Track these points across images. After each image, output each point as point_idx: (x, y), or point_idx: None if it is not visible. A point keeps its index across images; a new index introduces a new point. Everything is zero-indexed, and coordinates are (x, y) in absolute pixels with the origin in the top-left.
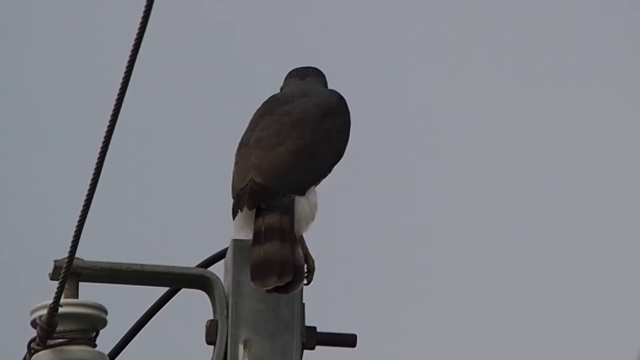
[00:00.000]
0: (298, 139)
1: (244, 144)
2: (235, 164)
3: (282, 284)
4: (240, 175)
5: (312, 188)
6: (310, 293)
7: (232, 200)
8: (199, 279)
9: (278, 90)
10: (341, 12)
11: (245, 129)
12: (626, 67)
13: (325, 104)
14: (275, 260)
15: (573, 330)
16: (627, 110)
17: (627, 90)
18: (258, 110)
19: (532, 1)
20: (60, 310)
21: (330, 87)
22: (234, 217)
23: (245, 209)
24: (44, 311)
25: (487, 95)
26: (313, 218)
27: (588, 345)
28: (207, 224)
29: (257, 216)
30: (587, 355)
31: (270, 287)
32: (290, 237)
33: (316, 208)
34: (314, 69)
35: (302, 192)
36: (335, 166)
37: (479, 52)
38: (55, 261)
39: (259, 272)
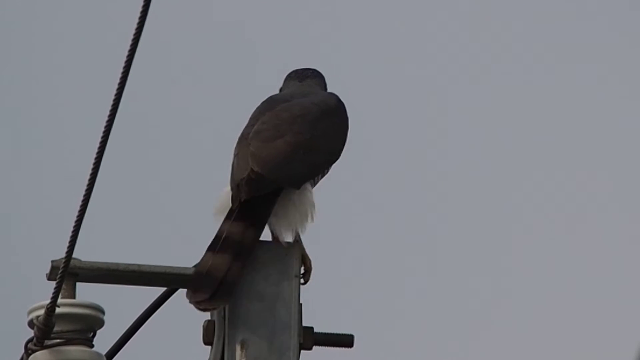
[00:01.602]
0: (297, 133)
1: (243, 137)
2: (235, 155)
3: (210, 308)
4: (241, 165)
5: (308, 186)
6: (307, 293)
7: (232, 190)
8: None
9: (277, 91)
10: (349, 12)
11: (245, 126)
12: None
13: (324, 105)
14: (217, 277)
15: (572, 330)
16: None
17: (628, 91)
18: (257, 108)
19: (535, 2)
20: (58, 310)
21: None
22: (232, 206)
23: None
24: (41, 311)
25: (501, 96)
26: (311, 217)
27: (588, 345)
28: (205, 224)
29: (227, 217)
30: (587, 355)
31: (197, 304)
32: (246, 256)
33: (313, 206)
34: (314, 70)
35: (298, 186)
36: (333, 167)
37: (486, 55)
38: (52, 261)
39: (195, 282)
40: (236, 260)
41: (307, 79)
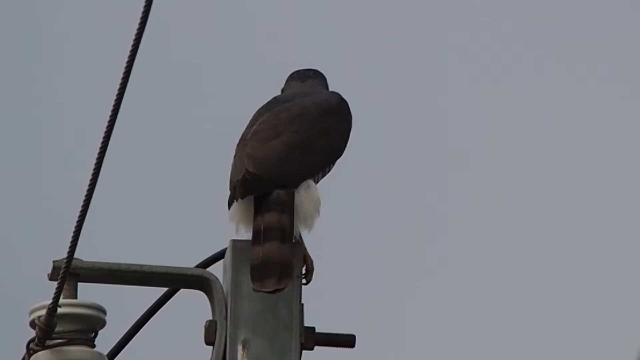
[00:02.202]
0: (294, 132)
1: (242, 139)
2: (234, 157)
3: (282, 287)
4: (238, 167)
5: (312, 183)
6: (309, 293)
7: (229, 192)
8: (197, 280)
9: (279, 91)
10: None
11: (246, 127)
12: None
13: (326, 104)
14: (275, 262)
15: (573, 330)
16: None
17: (629, 92)
18: (259, 109)
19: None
20: (59, 310)
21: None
22: (228, 207)
23: (241, 200)
24: (43, 311)
25: (501, 96)
26: (318, 213)
27: (588, 345)
28: (206, 224)
29: (256, 214)
30: (587, 355)
31: (270, 290)
32: (290, 237)
33: (320, 202)
34: (315, 71)
35: (295, 185)
36: (335, 165)
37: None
38: (54, 261)
39: (258, 273)
40: (283, 243)
41: (308, 79)
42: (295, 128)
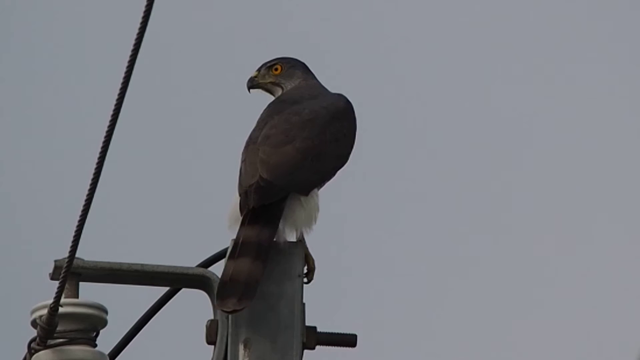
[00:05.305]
0: (306, 138)
1: (252, 142)
2: (243, 161)
3: (240, 309)
4: (249, 171)
5: (314, 190)
6: (310, 293)
7: (240, 197)
8: (199, 279)
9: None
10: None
11: (253, 128)
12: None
13: (334, 108)
14: (241, 281)
15: (572, 330)
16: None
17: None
18: (266, 109)
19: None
20: (61, 310)
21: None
22: (241, 214)
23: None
24: (44, 311)
25: (500, 98)
26: (315, 220)
27: (588, 345)
28: (207, 224)
29: (241, 223)
30: (587, 355)
31: (229, 310)
32: (266, 254)
33: (317, 210)
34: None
35: (307, 192)
36: (348, 165)
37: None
38: (55, 261)
39: (222, 291)
40: (256, 261)
41: (315, 79)
42: (307, 134)
